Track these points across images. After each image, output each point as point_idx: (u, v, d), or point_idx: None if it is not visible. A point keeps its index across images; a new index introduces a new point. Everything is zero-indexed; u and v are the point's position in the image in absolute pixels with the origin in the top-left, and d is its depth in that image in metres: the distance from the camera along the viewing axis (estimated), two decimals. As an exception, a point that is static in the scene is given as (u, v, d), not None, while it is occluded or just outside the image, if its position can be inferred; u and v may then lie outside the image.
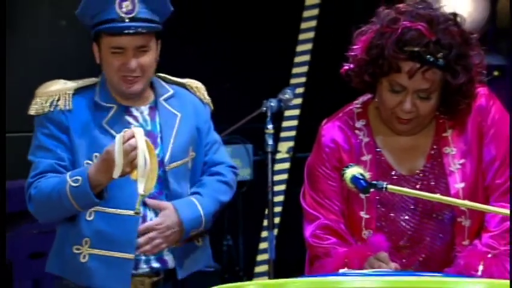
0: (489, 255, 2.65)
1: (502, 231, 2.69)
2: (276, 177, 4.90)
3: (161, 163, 3.03)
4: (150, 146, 2.88)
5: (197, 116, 3.16)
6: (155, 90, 3.12)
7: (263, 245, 5.18)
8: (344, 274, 2.51)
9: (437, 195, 2.68)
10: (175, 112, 3.10)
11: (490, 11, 4.51)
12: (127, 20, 2.97)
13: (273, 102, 3.54)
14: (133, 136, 2.85)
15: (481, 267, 2.63)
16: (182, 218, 3.03)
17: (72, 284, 3.07)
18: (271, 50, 5.42)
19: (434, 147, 2.77)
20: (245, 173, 5.23)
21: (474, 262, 2.64)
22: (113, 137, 2.95)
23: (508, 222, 2.69)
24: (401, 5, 2.72)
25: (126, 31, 2.96)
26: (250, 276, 5.13)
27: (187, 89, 3.21)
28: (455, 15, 2.71)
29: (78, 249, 3.03)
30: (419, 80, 2.64)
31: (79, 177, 2.94)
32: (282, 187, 5.15)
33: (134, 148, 2.84)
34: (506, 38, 4.55)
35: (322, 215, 2.74)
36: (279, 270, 3.54)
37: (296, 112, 5.28)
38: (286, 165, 5.24)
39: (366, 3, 2.76)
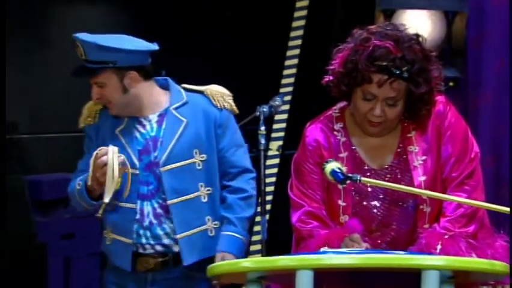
0: (446, 236, 2.65)
1: (457, 216, 2.70)
2: (268, 171, 4.88)
3: (156, 164, 3.04)
4: (122, 163, 2.93)
5: (207, 121, 3.12)
6: (171, 99, 3.11)
7: (257, 228, 5.16)
8: (324, 252, 2.51)
9: (403, 186, 2.67)
10: (182, 118, 3.08)
11: (446, 32, 4.51)
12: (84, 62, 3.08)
13: (265, 108, 3.52)
14: (105, 154, 2.92)
15: (439, 246, 2.63)
16: (235, 254, 3.07)
17: (108, 261, 3.18)
18: (263, 65, 5.41)
19: (400, 146, 2.76)
20: (242, 168, 5.21)
21: (433, 242, 2.64)
22: (122, 144, 3.03)
23: (462, 209, 2.69)
24: (372, 27, 2.72)
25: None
26: (246, 253, 5.11)
27: (204, 95, 3.16)
28: (417, 35, 2.71)
29: (106, 234, 3.14)
30: (387, 89, 2.64)
31: (81, 182, 3.05)
32: (273, 179, 5.13)
33: (105, 164, 2.91)
34: (459, 54, 4.55)
35: (306, 203, 2.74)
36: (270, 249, 3.54)
37: (284, 116, 5.27)
38: (276, 160, 5.23)
39: (344, 24, 2.75)
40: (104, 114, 3.11)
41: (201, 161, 3.10)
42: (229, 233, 3.11)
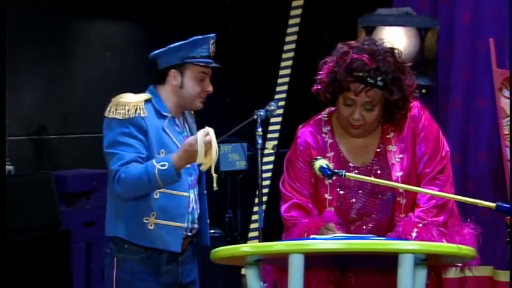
0: (420, 225, 2.64)
1: (430, 206, 2.69)
2: (264, 167, 4.87)
3: None
4: (215, 142, 2.89)
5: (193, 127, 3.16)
6: None
7: (255, 217, 5.16)
8: (313, 238, 2.50)
9: (383, 180, 2.66)
10: (192, 122, 3.12)
11: (420, 45, 4.50)
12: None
13: (261, 112, 3.52)
14: (208, 134, 2.86)
15: (414, 233, 2.62)
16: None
17: (135, 247, 2.98)
18: (261, 73, 5.41)
19: (380, 145, 2.75)
20: (242, 164, 5.20)
21: (409, 229, 2.63)
22: (169, 137, 2.96)
23: (434, 201, 2.68)
24: (352, 42, 2.72)
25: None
26: (245, 239, 5.10)
27: None
28: (392, 48, 2.69)
29: (147, 219, 2.96)
30: (364, 96, 2.63)
31: (166, 163, 2.87)
32: (269, 174, 5.12)
33: (209, 142, 2.84)
34: (431, 65, 4.54)
35: (295, 197, 2.73)
36: (266, 236, 3.53)
37: (279, 119, 5.26)
38: (272, 158, 5.21)
39: (331, 40, 2.75)
40: (148, 109, 2.99)
41: None
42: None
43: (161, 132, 2.99)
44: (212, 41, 3.05)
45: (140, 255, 2.99)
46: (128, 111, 2.95)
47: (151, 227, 2.96)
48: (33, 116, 4.77)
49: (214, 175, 2.92)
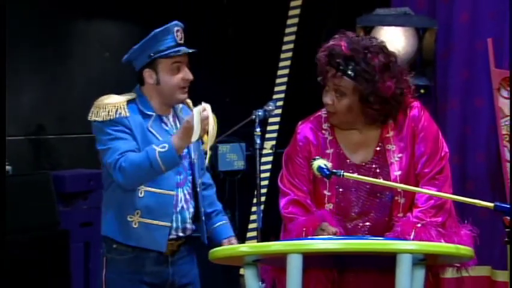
0: (419, 225, 2.64)
1: (428, 207, 2.68)
2: (263, 167, 4.87)
3: (184, 157, 3.01)
4: (214, 117, 2.88)
5: None
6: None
7: (253, 217, 5.16)
8: (311, 238, 2.50)
9: (382, 180, 2.65)
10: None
11: (418, 46, 4.50)
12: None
13: (260, 112, 3.53)
14: (205, 109, 2.84)
15: (413, 233, 2.61)
16: (235, 236, 3.17)
17: (122, 247, 2.98)
18: (259, 74, 5.41)
19: (380, 144, 2.74)
20: (240, 164, 5.20)
21: (408, 229, 2.63)
22: (155, 136, 2.95)
23: (432, 201, 2.68)
24: (350, 32, 2.72)
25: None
26: (243, 240, 5.10)
27: (185, 104, 3.15)
28: (386, 49, 2.68)
29: (131, 218, 2.96)
30: (337, 81, 2.64)
31: (165, 145, 2.87)
32: (267, 174, 5.12)
33: (207, 118, 2.83)
34: (429, 65, 4.54)
35: (293, 192, 2.72)
36: (264, 236, 3.53)
37: (277, 119, 5.26)
38: (270, 158, 5.21)
39: (331, 37, 2.75)
40: (130, 109, 2.99)
41: (197, 157, 3.11)
42: (224, 222, 3.17)
43: (146, 131, 2.98)
44: (176, 28, 3.00)
45: (128, 255, 2.99)
46: (108, 112, 2.96)
47: (135, 226, 2.95)
48: (32, 116, 4.76)
49: (209, 152, 2.91)
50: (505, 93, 4.24)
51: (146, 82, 3.02)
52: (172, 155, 2.86)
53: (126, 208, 2.97)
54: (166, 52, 2.96)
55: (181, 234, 3.02)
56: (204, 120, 2.83)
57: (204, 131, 2.85)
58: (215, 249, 2.52)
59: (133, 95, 3.04)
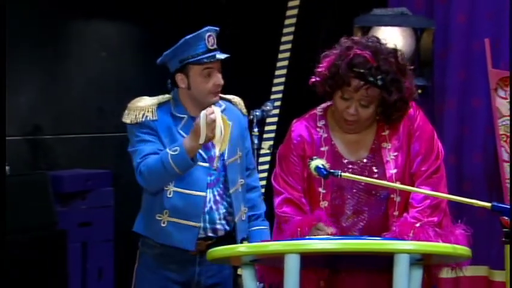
0: (416, 225, 2.64)
1: (425, 207, 2.68)
2: (260, 167, 4.86)
3: (223, 159, 3.04)
4: (225, 120, 2.91)
5: (240, 125, 3.14)
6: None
7: (251, 217, 5.15)
8: (309, 238, 2.50)
9: (380, 181, 2.65)
10: (228, 121, 3.06)
11: (416, 46, 4.51)
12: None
13: (258, 112, 3.52)
14: (213, 112, 2.87)
15: (411, 234, 2.61)
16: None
17: (152, 241, 3.05)
18: (257, 74, 5.41)
19: (375, 142, 2.75)
20: (238, 164, 5.19)
21: (406, 230, 2.63)
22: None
23: (428, 200, 2.68)
24: (356, 37, 2.72)
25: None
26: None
27: (231, 103, 3.18)
28: (395, 49, 2.69)
29: (160, 217, 3.01)
30: (362, 93, 2.64)
31: (177, 147, 2.92)
32: (265, 174, 5.12)
33: (214, 121, 2.85)
34: (427, 66, 4.55)
35: (287, 191, 2.72)
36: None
37: (275, 119, 5.26)
38: (268, 158, 5.21)
39: (326, 43, 2.75)
40: (160, 112, 3.03)
41: (239, 157, 3.12)
42: (262, 227, 3.18)
43: (175, 134, 3.02)
44: (208, 34, 3.03)
45: (156, 250, 3.04)
46: (135, 116, 3.02)
47: (164, 225, 3.00)
48: (29, 116, 4.76)
49: (217, 153, 2.92)
50: (502, 93, 4.25)
51: (179, 85, 3.06)
52: (184, 158, 2.90)
53: (155, 207, 3.02)
54: (197, 58, 3.00)
55: (211, 234, 3.04)
56: (211, 124, 2.86)
57: (212, 133, 2.87)
58: (213, 249, 2.53)
59: (168, 97, 3.08)
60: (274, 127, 5.27)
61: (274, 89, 5.33)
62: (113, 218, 4.63)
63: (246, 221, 3.15)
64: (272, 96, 5.26)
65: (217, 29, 3.08)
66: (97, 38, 5.07)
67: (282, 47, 5.33)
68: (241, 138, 3.13)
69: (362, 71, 2.61)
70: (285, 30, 5.32)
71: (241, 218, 3.11)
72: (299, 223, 2.65)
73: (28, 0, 4.66)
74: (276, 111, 5.12)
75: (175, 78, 3.05)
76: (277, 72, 5.36)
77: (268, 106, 3.59)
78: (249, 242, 3.12)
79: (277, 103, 5.17)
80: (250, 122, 3.51)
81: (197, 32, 3.03)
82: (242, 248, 2.49)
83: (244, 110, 3.23)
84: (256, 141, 3.48)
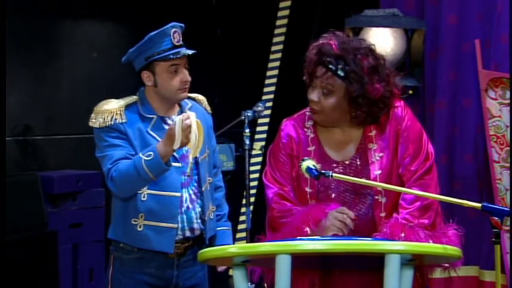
0: (407, 227, 2.64)
1: (415, 208, 2.68)
2: (252, 168, 4.88)
3: (188, 157, 3.02)
4: (200, 125, 2.89)
5: (206, 123, 3.12)
6: (180, 103, 3.10)
7: (242, 218, 5.16)
8: (299, 239, 2.50)
9: (370, 181, 2.66)
10: (203, 125, 3.05)
11: (406, 47, 4.53)
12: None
13: (249, 113, 3.53)
14: (188, 118, 2.85)
15: (402, 235, 2.62)
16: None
17: (129, 247, 3.01)
18: (248, 74, 5.42)
19: (362, 142, 2.75)
20: (229, 165, 5.21)
21: (397, 231, 2.63)
22: (155, 139, 2.95)
23: (419, 202, 2.69)
24: (341, 32, 2.73)
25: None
26: (233, 240, 5.10)
27: (195, 101, 3.17)
28: (372, 50, 2.69)
29: (135, 221, 2.98)
30: (324, 80, 2.65)
31: (151, 152, 2.88)
32: (256, 175, 5.13)
33: (189, 127, 2.83)
34: (418, 66, 4.57)
35: (277, 187, 2.74)
36: (253, 236, 3.53)
37: (266, 120, 5.27)
38: (259, 159, 5.22)
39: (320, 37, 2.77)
40: (128, 113, 3.00)
41: (207, 155, 3.12)
42: (225, 228, 3.20)
43: (145, 135, 2.98)
44: (173, 30, 2.98)
45: (133, 255, 3.01)
46: (104, 119, 2.97)
47: (140, 229, 2.97)
48: (19, 117, 4.75)
49: (191, 160, 2.91)
50: (493, 94, 4.27)
51: (145, 84, 3.03)
52: (158, 162, 2.87)
53: (129, 212, 2.98)
54: (163, 55, 2.96)
55: (188, 234, 3.03)
56: (186, 129, 2.84)
57: (187, 139, 2.85)
58: (204, 250, 2.53)
59: (134, 98, 3.05)
60: (265, 128, 5.28)
61: (265, 89, 5.34)
62: (104, 219, 4.63)
63: (214, 220, 3.15)
64: (263, 97, 5.27)
65: (183, 25, 3.04)
66: (87, 39, 5.07)
67: (273, 48, 5.34)
68: (207, 136, 3.11)
69: (325, 58, 2.64)
70: (277, 31, 5.33)
71: (209, 216, 3.10)
72: (308, 211, 2.64)
73: (17, 1, 4.65)
74: (268, 111, 5.13)
75: (141, 76, 3.01)
76: (268, 73, 5.37)
77: (259, 107, 3.59)
78: (214, 242, 3.13)
79: (269, 104, 5.18)
80: (242, 123, 3.52)
81: (162, 28, 2.98)
82: (233, 248, 2.49)
83: (209, 108, 3.21)
84: (247, 141, 3.48)
